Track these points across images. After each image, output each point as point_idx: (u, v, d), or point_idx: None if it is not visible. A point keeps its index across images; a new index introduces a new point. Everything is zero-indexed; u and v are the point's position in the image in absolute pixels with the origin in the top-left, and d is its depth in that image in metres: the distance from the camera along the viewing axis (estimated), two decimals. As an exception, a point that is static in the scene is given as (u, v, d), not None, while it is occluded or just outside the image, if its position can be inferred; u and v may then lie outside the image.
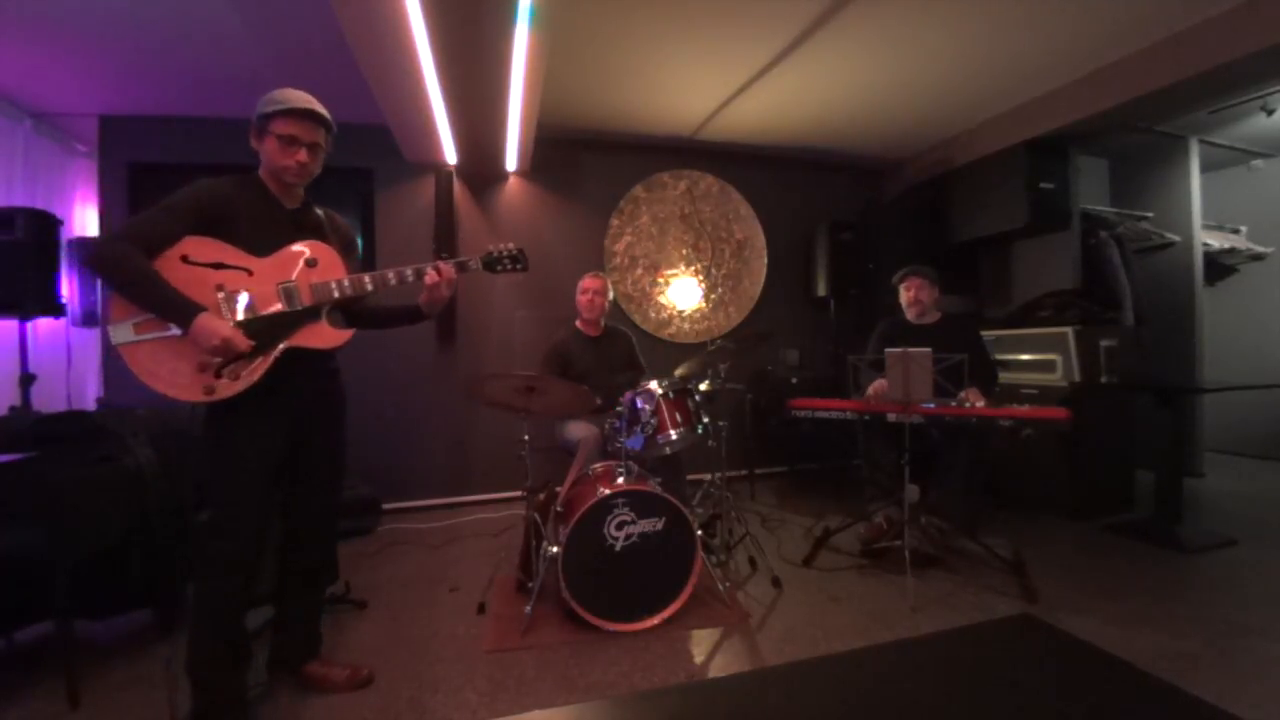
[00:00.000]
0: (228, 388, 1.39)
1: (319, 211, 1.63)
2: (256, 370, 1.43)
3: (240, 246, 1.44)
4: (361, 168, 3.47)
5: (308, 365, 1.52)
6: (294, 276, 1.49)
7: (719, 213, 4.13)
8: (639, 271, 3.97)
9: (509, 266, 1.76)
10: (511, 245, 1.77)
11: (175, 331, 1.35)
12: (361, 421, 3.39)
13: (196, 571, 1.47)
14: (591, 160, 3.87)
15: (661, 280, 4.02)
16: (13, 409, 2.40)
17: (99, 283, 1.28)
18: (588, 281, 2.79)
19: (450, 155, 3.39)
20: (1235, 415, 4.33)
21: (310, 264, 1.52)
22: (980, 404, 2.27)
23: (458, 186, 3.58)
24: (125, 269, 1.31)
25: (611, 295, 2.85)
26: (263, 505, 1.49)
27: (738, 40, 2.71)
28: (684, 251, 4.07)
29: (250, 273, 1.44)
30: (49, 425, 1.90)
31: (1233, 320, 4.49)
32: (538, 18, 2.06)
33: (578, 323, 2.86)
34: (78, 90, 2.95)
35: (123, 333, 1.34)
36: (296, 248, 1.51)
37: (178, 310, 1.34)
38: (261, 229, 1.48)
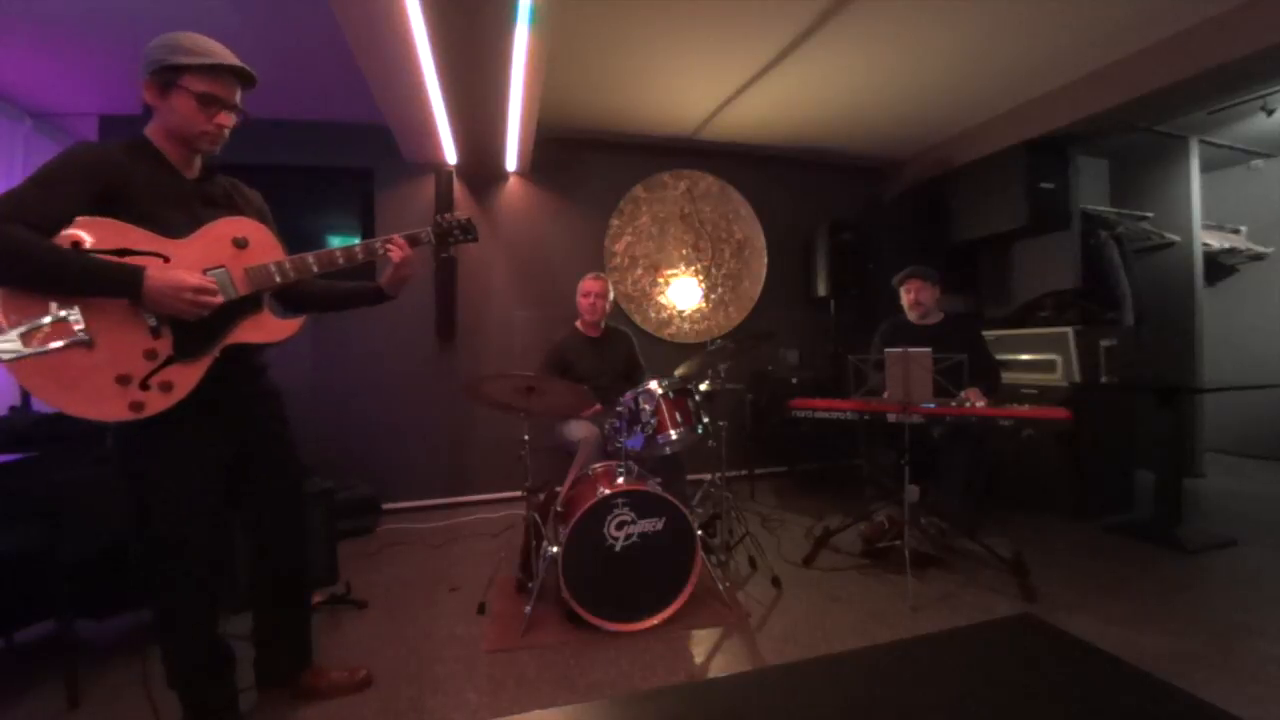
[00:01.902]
0: (159, 401, 1.18)
1: (225, 181, 1.41)
2: (192, 377, 1.22)
3: (146, 227, 1.19)
4: (361, 168, 3.46)
5: (240, 365, 1.35)
6: (222, 260, 1.27)
7: (719, 213, 4.13)
8: (639, 271, 3.97)
9: (460, 237, 1.64)
10: (460, 215, 1.65)
11: (78, 337, 1.11)
12: (361, 422, 3.43)
13: (154, 595, 1.31)
14: (591, 160, 3.87)
15: (661, 280, 4.02)
16: (13, 409, 2.40)
17: None
18: (589, 284, 2.78)
19: (450, 155, 3.39)
20: (1235, 415, 4.33)
21: (239, 244, 1.29)
22: (980, 404, 2.27)
23: (458, 186, 3.57)
24: (26, 252, 1.05)
25: (612, 296, 2.85)
26: (214, 521, 1.34)
27: (738, 40, 2.71)
28: (684, 251, 4.07)
29: (167, 259, 1.20)
30: (49, 425, 1.90)
31: (1233, 320, 4.49)
32: (538, 18, 2.06)
33: (578, 323, 2.86)
34: (78, 90, 2.95)
35: (9, 345, 1.06)
36: (219, 225, 1.29)
37: (116, 279, 1.12)
38: (167, 205, 1.23)
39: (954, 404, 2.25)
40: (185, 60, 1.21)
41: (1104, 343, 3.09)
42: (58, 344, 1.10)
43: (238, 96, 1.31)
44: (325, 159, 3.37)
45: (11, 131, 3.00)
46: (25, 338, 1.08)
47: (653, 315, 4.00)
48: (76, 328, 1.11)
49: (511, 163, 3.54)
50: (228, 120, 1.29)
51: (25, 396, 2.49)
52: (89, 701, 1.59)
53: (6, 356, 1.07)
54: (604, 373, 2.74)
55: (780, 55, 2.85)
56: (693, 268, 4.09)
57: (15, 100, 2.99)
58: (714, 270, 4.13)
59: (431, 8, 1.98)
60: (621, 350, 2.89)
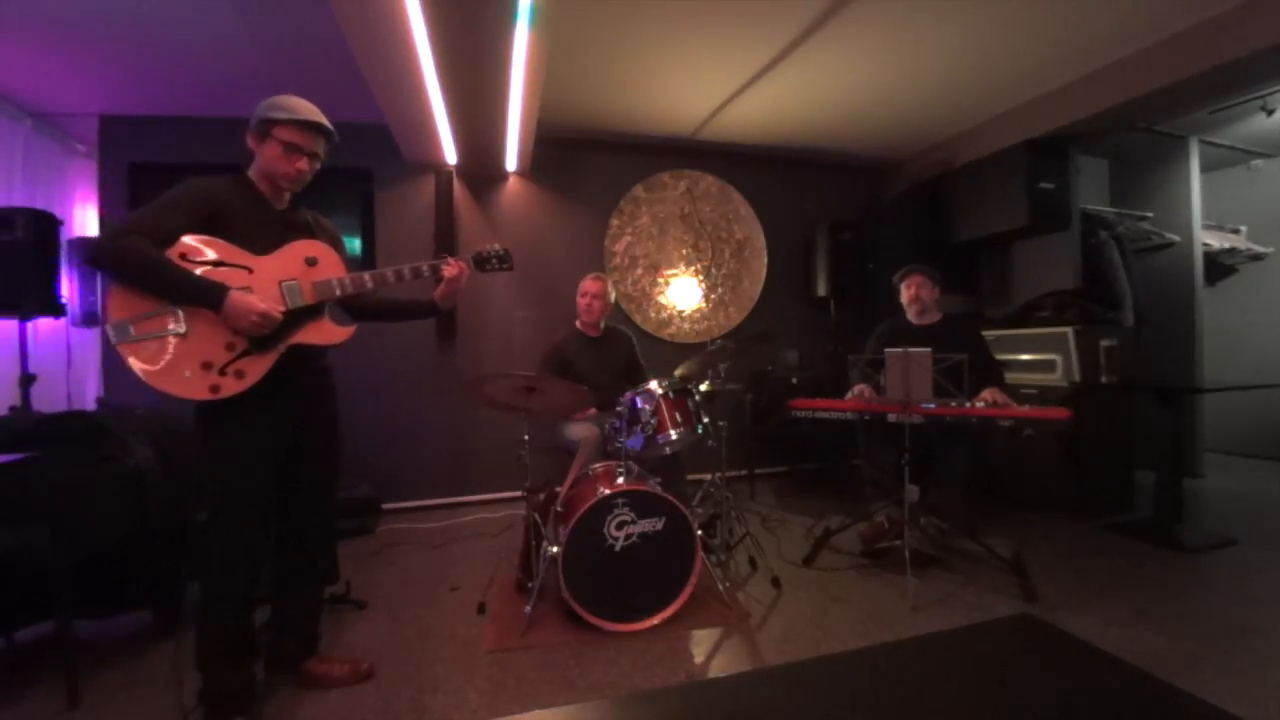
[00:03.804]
0: (233, 385, 1.40)
1: (306, 213, 1.66)
2: (261, 368, 1.44)
3: (237, 244, 1.45)
4: (361, 168, 3.47)
5: (303, 364, 1.54)
6: (295, 274, 1.51)
7: (719, 213, 4.13)
8: (639, 271, 3.97)
9: (497, 266, 1.85)
10: (498, 245, 1.85)
11: (176, 329, 1.36)
12: (362, 421, 3.42)
13: (200, 571, 1.48)
14: (591, 160, 3.87)
15: (661, 280, 4.02)
16: (13, 409, 2.40)
17: (104, 280, 1.29)
18: (587, 284, 2.78)
19: (450, 155, 3.39)
20: (1235, 415, 4.33)
21: (310, 262, 1.53)
22: (998, 403, 2.27)
23: (458, 186, 3.58)
24: (142, 261, 1.32)
25: (613, 297, 2.84)
26: (263, 505, 1.50)
27: (738, 40, 2.71)
28: (684, 251, 4.07)
29: (250, 271, 1.45)
30: (49, 425, 1.89)
31: (1233, 320, 4.49)
32: (538, 18, 2.06)
33: (578, 323, 2.86)
34: (78, 90, 2.95)
35: (122, 332, 1.33)
36: (296, 246, 1.53)
37: (205, 293, 1.36)
38: (256, 228, 1.49)
39: (968, 404, 2.24)
40: (277, 115, 1.48)
41: (1104, 343, 3.09)
42: (159, 333, 1.36)
43: (321, 148, 1.55)
44: (325, 159, 3.37)
45: (11, 131, 3.00)
46: (136, 326, 1.34)
47: (653, 315, 4.00)
48: (176, 321, 1.37)
49: (511, 163, 3.53)
50: (305, 165, 1.53)
51: (25, 396, 2.49)
52: (89, 701, 1.59)
53: (120, 339, 1.32)
54: (603, 372, 2.73)
55: (780, 55, 2.85)
56: (693, 268, 4.09)
57: (15, 100, 3.00)
58: (714, 270, 4.13)
59: (431, 8, 1.98)
60: (621, 350, 2.89)
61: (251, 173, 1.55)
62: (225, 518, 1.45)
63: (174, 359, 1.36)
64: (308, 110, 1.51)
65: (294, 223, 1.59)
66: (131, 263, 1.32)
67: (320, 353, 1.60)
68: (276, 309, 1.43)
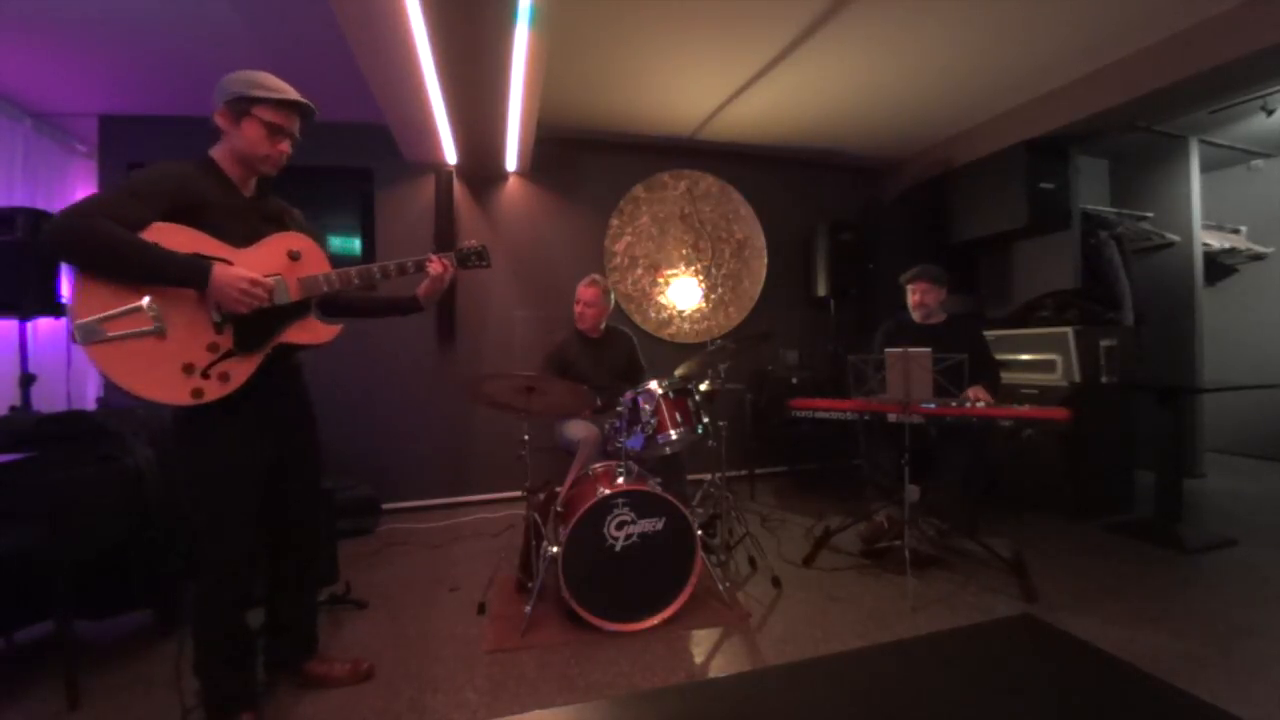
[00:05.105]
0: (217, 389, 1.31)
1: (277, 201, 1.56)
2: (247, 370, 1.36)
3: (214, 236, 1.34)
4: (361, 167, 3.46)
5: (282, 363, 1.48)
6: (279, 269, 1.42)
7: (719, 213, 4.13)
8: (639, 271, 3.97)
9: (476, 262, 1.78)
10: (475, 242, 1.78)
11: (154, 327, 1.25)
12: (362, 421, 3.43)
13: (195, 576, 1.44)
14: (591, 160, 3.87)
15: (661, 280, 4.02)
16: (13, 409, 2.40)
17: (57, 263, 1.13)
18: (582, 290, 2.73)
19: (450, 155, 3.39)
20: (1235, 415, 4.33)
21: (294, 256, 1.44)
22: (983, 401, 2.27)
23: (458, 186, 3.58)
24: (111, 243, 1.19)
25: (611, 301, 2.81)
26: (254, 509, 1.45)
27: (738, 40, 2.71)
28: (684, 251, 4.07)
29: (231, 264, 1.36)
30: (49, 425, 1.89)
31: (1233, 320, 4.49)
32: (538, 17, 2.05)
33: (578, 324, 2.86)
34: (78, 90, 2.95)
35: (90, 331, 1.18)
36: (277, 239, 1.44)
37: (187, 270, 1.26)
38: (231, 218, 1.38)
39: (955, 403, 2.25)
40: (260, 94, 1.37)
41: (1104, 343, 3.09)
42: (132, 331, 1.23)
43: (298, 128, 1.47)
44: (325, 159, 3.36)
45: (11, 131, 3.00)
46: (106, 324, 1.20)
47: (653, 315, 4.00)
48: (152, 318, 1.25)
49: (511, 163, 3.53)
50: (287, 148, 1.45)
51: (25, 396, 2.49)
52: (89, 701, 1.59)
53: (88, 339, 1.18)
54: (603, 373, 2.73)
55: (780, 55, 2.85)
56: (693, 268, 4.09)
57: (15, 100, 3.00)
58: (714, 270, 4.13)
59: (431, 8, 1.98)
60: (622, 351, 2.89)
61: (217, 155, 1.41)
62: (216, 524, 1.39)
63: (152, 361, 1.24)
64: (290, 89, 1.41)
65: (267, 213, 1.49)
66: (98, 244, 1.18)
67: (295, 350, 1.52)
68: (266, 283, 1.35)
